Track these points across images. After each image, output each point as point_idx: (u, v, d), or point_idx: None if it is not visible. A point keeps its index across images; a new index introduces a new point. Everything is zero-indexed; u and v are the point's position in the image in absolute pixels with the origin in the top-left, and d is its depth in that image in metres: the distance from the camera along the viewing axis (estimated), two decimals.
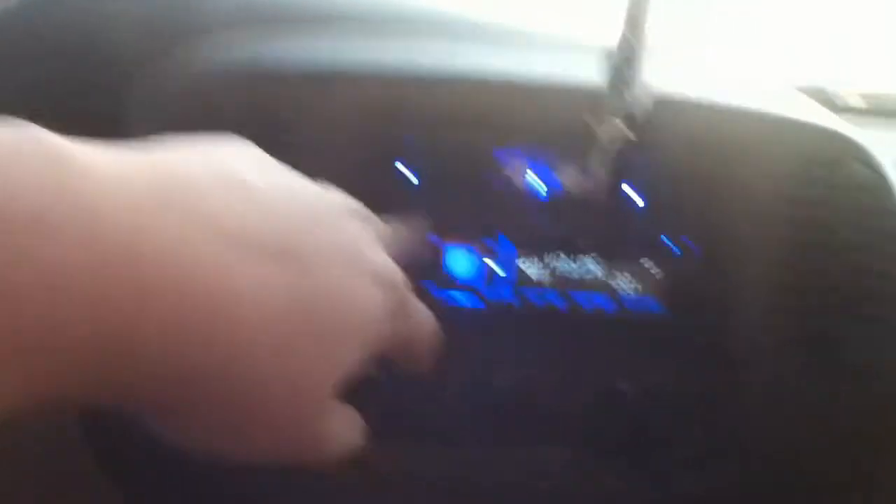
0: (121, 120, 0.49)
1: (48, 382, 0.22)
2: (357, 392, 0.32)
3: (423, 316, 0.37)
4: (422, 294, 0.38)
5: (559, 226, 0.48)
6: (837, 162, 0.47)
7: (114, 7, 0.53)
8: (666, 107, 0.45)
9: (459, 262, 0.47)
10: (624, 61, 0.42)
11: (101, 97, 0.50)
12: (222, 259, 0.25)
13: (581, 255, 0.47)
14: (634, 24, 0.42)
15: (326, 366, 0.29)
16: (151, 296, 0.23)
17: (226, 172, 0.27)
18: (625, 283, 0.47)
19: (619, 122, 0.43)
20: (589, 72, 0.45)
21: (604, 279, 0.47)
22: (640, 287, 0.47)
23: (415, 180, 0.47)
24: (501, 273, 0.47)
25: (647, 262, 0.47)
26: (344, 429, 0.32)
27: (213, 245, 0.25)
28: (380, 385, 0.44)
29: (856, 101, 0.85)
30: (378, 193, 0.36)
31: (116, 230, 0.22)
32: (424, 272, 0.46)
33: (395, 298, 0.32)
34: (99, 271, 0.22)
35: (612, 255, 0.47)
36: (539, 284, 0.47)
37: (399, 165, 0.47)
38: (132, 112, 0.48)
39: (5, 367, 0.20)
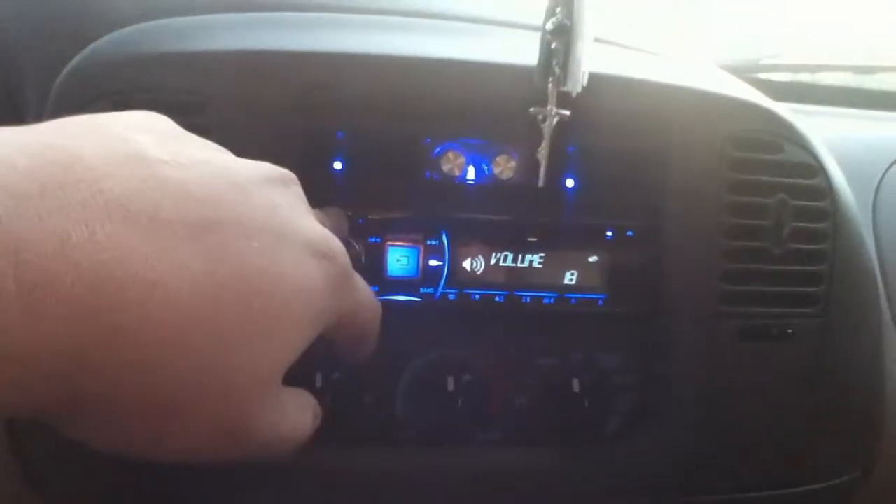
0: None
1: None
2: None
3: (366, 293, 0.34)
4: None
5: (496, 217, 0.46)
6: (772, 143, 0.47)
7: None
8: (602, 86, 0.44)
9: (395, 259, 0.45)
10: (557, 40, 0.40)
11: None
12: (127, 244, 0.22)
13: (519, 246, 0.46)
14: (567, 2, 0.40)
15: (262, 352, 0.26)
16: (46, 290, 0.20)
17: (124, 148, 0.24)
18: (564, 273, 0.46)
19: (552, 101, 0.41)
20: (527, 52, 0.43)
21: (542, 269, 0.46)
22: (579, 275, 0.46)
23: (346, 173, 0.45)
24: (439, 269, 0.45)
25: (585, 250, 0.46)
26: (294, 414, 0.29)
27: (116, 229, 0.22)
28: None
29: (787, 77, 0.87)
30: (307, 189, 0.33)
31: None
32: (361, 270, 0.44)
33: (336, 270, 0.29)
34: None
35: (550, 242, 0.46)
36: (478, 279, 0.46)
37: (329, 158, 0.45)
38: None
39: None
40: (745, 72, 0.80)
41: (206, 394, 0.25)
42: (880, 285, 0.54)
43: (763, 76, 0.85)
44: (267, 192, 0.28)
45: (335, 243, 0.30)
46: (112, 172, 0.23)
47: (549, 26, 0.40)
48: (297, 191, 0.31)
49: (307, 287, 0.27)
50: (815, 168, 0.48)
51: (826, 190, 0.48)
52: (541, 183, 0.43)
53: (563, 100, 0.42)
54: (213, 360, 0.24)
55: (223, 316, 0.24)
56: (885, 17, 0.91)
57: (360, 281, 0.33)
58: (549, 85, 0.41)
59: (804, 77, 0.88)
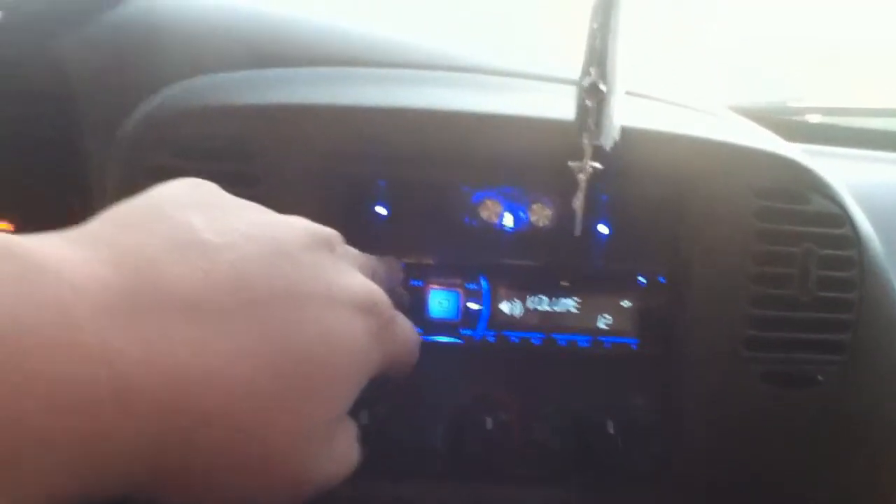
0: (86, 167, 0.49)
1: (46, 492, 0.22)
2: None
3: (407, 331, 0.36)
4: None
5: (533, 263, 0.48)
6: (799, 194, 0.48)
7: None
8: (633, 139, 0.46)
9: (437, 302, 0.47)
10: (591, 98, 0.42)
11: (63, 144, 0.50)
12: (198, 340, 0.25)
13: (555, 290, 0.48)
14: (600, 58, 0.42)
15: (320, 412, 0.29)
16: (134, 393, 0.23)
17: (182, 237, 0.27)
18: (599, 317, 0.48)
19: (588, 155, 0.44)
20: (560, 107, 0.45)
21: (578, 313, 0.48)
22: (613, 320, 0.48)
23: (388, 218, 0.48)
24: (478, 312, 0.48)
25: (618, 295, 0.48)
26: (347, 453, 0.32)
27: (189, 330, 0.25)
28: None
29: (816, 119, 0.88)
30: (350, 234, 0.36)
31: (95, 334, 0.22)
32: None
33: (380, 322, 0.31)
34: (80, 378, 0.22)
35: (585, 288, 0.48)
36: (516, 322, 0.48)
37: (371, 204, 0.47)
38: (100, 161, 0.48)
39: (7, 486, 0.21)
40: (772, 114, 0.82)
41: (270, 460, 0.27)
42: None
43: (791, 118, 0.86)
44: (313, 256, 0.30)
45: (379, 296, 0.32)
46: (177, 270, 0.26)
47: (584, 84, 0.43)
48: (341, 248, 0.33)
49: (356, 344, 0.30)
50: (842, 218, 0.49)
51: (852, 239, 0.49)
52: (577, 232, 0.45)
53: (597, 153, 0.44)
54: (277, 430, 0.27)
55: (282, 388, 0.27)
56: None
57: (402, 321, 0.35)
58: (585, 140, 0.43)
59: (833, 120, 0.89)
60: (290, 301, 0.28)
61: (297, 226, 0.31)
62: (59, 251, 0.24)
